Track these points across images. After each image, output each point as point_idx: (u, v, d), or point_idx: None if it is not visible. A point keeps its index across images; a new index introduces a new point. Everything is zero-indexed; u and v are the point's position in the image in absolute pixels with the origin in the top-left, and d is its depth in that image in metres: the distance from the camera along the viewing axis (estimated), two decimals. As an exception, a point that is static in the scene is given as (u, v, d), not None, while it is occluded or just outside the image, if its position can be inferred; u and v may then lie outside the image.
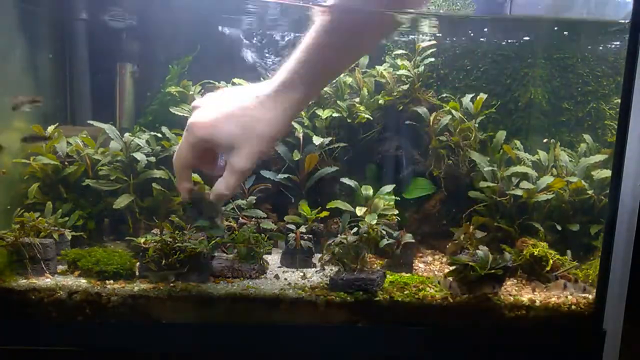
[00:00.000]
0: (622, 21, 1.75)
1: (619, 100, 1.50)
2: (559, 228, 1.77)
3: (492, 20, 2.06)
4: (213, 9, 2.01)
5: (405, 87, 1.99)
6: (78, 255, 1.56)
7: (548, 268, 1.62)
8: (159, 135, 1.85)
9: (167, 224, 1.65)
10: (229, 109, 1.28)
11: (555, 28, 2.04)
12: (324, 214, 1.83)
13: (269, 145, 1.32)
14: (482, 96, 1.92)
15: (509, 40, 2.06)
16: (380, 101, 2.00)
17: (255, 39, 2.13)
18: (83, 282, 1.48)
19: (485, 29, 2.09)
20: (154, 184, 1.76)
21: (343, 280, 1.50)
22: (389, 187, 1.89)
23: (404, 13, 1.80)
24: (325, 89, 2.01)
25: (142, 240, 1.54)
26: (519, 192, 1.78)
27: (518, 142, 1.94)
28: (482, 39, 2.08)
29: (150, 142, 1.82)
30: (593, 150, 1.90)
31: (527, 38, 2.05)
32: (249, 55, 2.12)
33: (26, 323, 1.41)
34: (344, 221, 1.83)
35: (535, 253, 1.62)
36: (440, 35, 2.04)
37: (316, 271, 1.69)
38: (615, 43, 2.02)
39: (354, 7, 1.25)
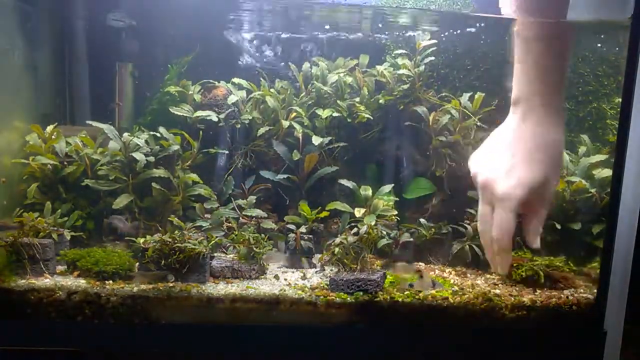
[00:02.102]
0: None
1: (620, 100, 1.49)
2: (559, 227, 1.77)
3: (492, 19, 2.06)
4: (213, 8, 2.01)
5: (406, 86, 1.99)
6: (77, 255, 1.55)
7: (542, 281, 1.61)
8: (158, 135, 1.84)
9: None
10: (521, 158, 1.25)
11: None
12: (324, 214, 1.83)
13: (560, 155, 1.30)
14: (480, 95, 1.92)
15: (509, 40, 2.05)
16: (381, 101, 2.00)
17: (254, 39, 2.13)
18: (82, 282, 1.47)
19: (485, 27, 2.08)
20: (153, 184, 1.75)
21: (343, 281, 1.49)
22: (387, 187, 1.89)
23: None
24: (325, 88, 2.01)
25: (142, 240, 1.54)
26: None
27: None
28: (482, 39, 2.07)
29: (149, 142, 1.81)
30: (592, 150, 1.89)
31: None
32: (248, 55, 2.12)
33: (25, 323, 1.41)
34: (343, 221, 1.83)
35: (524, 275, 1.60)
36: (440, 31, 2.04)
37: (316, 272, 1.69)
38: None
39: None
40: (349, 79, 2.04)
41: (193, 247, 1.51)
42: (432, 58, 2.00)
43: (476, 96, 1.94)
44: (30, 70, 1.91)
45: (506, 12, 1.36)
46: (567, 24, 1.29)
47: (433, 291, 1.53)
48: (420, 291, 1.52)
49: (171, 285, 1.47)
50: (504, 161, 1.27)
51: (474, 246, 1.78)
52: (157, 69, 2.02)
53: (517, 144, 1.27)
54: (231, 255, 1.67)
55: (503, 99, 2.02)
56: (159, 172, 1.76)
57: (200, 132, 1.90)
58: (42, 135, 1.81)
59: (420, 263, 1.83)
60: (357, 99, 2.02)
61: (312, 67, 2.07)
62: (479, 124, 1.94)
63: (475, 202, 1.83)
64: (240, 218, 1.83)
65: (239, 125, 1.97)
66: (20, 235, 1.53)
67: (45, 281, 1.48)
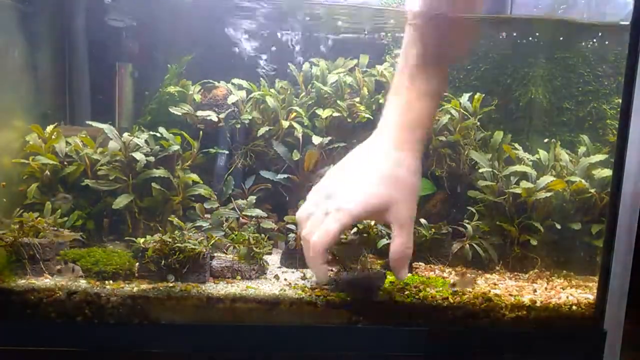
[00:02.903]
0: (623, 22, 1.75)
1: (620, 100, 1.49)
2: (559, 227, 1.77)
3: (492, 20, 2.06)
4: (212, 8, 2.01)
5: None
6: (77, 255, 1.55)
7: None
8: (158, 134, 1.84)
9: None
10: (370, 178, 1.29)
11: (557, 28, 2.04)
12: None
13: (418, 187, 1.35)
14: (480, 95, 1.93)
15: (510, 40, 2.06)
16: (381, 101, 2.00)
17: (252, 38, 2.12)
18: (82, 282, 1.47)
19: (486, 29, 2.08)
20: (153, 184, 1.75)
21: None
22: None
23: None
24: (325, 88, 2.01)
25: (142, 240, 1.54)
26: (517, 191, 1.77)
27: (516, 144, 1.94)
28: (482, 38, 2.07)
29: (149, 142, 1.81)
30: (592, 150, 1.90)
31: (528, 37, 2.05)
32: (247, 56, 2.12)
33: (25, 323, 1.41)
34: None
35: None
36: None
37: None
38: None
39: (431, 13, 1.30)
40: (349, 79, 2.04)
41: (193, 247, 1.51)
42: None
43: (476, 96, 1.94)
44: (30, 70, 1.91)
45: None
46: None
47: (432, 291, 1.53)
48: (420, 291, 1.53)
49: (171, 285, 1.47)
50: (354, 175, 1.31)
51: (474, 245, 1.78)
52: (157, 68, 2.02)
53: (371, 163, 1.31)
54: (231, 256, 1.67)
55: (503, 99, 2.04)
56: (159, 172, 1.76)
57: (200, 132, 1.90)
58: (42, 135, 1.81)
59: (420, 263, 1.83)
60: (357, 99, 2.02)
61: (312, 67, 2.07)
62: (478, 124, 1.95)
63: (476, 201, 1.85)
64: (240, 218, 1.83)
65: (238, 125, 1.97)
66: (20, 235, 1.52)
67: (45, 281, 1.48)
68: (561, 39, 2.05)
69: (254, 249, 1.62)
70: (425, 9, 1.33)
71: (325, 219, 1.29)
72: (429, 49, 1.31)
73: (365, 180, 1.29)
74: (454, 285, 1.51)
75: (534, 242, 1.75)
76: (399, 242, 1.30)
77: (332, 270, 1.53)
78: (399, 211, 1.28)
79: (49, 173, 1.76)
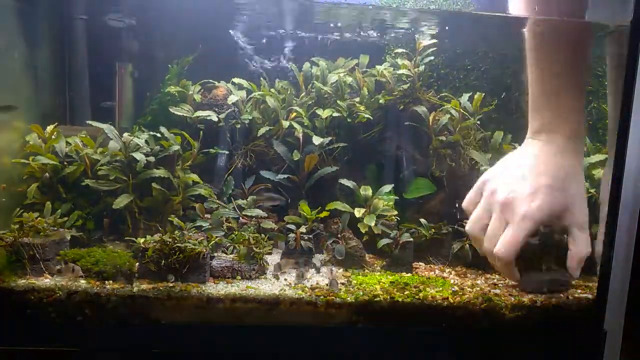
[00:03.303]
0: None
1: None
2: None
3: (492, 18, 2.06)
4: (212, 8, 2.00)
5: (406, 86, 1.99)
6: (77, 255, 1.55)
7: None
8: (158, 135, 1.84)
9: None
10: (542, 183, 1.35)
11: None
12: (324, 214, 1.83)
13: (580, 180, 1.40)
14: (480, 95, 1.93)
15: (510, 39, 2.06)
16: (381, 101, 2.00)
17: (253, 39, 2.13)
18: (82, 282, 1.47)
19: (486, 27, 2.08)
20: (153, 184, 1.75)
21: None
22: (388, 187, 1.89)
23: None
24: (325, 88, 2.01)
25: (142, 240, 1.54)
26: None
27: (516, 144, 1.94)
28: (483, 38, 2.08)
29: (149, 142, 1.81)
30: (592, 151, 1.90)
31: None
32: (248, 56, 2.12)
33: (25, 323, 1.41)
34: (343, 221, 1.83)
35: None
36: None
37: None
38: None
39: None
40: (349, 79, 2.04)
41: (193, 247, 1.51)
42: (432, 58, 2.00)
43: (476, 96, 1.94)
44: (30, 70, 1.91)
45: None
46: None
47: (432, 291, 1.53)
48: (420, 291, 1.53)
49: (171, 285, 1.47)
50: (527, 184, 1.35)
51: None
52: (157, 68, 2.02)
53: (545, 170, 1.36)
54: (231, 256, 1.67)
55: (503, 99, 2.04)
56: (159, 172, 1.76)
57: (201, 132, 1.90)
58: (42, 135, 1.81)
59: (420, 263, 1.83)
60: (357, 99, 2.02)
61: (312, 67, 2.07)
62: (478, 124, 1.95)
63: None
64: (240, 218, 1.83)
65: (239, 125, 1.97)
66: (20, 235, 1.53)
67: (45, 281, 1.48)
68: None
69: (254, 249, 1.62)
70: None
71: (507, 227, 1.36)
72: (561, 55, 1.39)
73: (544, 188, 1.35)
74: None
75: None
76: (580, 242, 1.37)
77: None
78: (575, 215, 1.36)
79: (48, 175, 1.76)
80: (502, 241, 1.36)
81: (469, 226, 1.46)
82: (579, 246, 1.38)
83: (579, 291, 1.64)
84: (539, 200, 1.34)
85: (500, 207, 1.37)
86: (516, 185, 1.37)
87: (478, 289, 1.60)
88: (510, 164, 1.44)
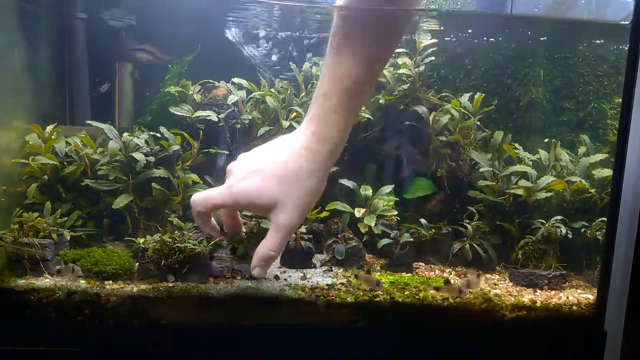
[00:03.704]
0: (623, 22, 1.74)
1: (620, 100, 1.49)
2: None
3: (493, 19, 2.06)
4: (212, 8, 2.00)
5: (406, 86, 1.99)
6: (77, 255, 1.55)
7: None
8: (158, 135, 1.84)
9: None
10: (267, 170, 1.26)
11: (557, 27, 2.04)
12: (324, 214, 1.82)
13: (314, 196, 1.28)
14: (480, 95, 1.93)
15: (511, 39, 2.06)
16: (381, 101, 2.00)
17: (253, 39, 2.13)
18: (82, 282, 1.47)
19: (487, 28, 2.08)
20: (153, 184, 1.75)
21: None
22: (388, 188, 1.88)
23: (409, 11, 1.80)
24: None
25: (142, 240, 1.54)
26: (519, 191, 1.77)
27: (517, 144, 1.94)
28: (483, 38, 2.08)
29: (149, 142, 1.81)
30: (592, 150, 1.89)
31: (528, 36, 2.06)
32: (248, 56, 2.12)
33: (25, 323, 1.41)
34: (343, 221, 1.83)
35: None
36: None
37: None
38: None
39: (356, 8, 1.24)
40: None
41: (193, 247, 1.51)
42: (433, 58, 2.00)
43: (476, 96, 1.94)
44: (30, 70, 1.91)
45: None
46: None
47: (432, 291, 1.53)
48: (420, 291, 1.53)
49: (171, 285, 1.47)
50: (256, 163, 1.29)
51: (474, 245, 1.78)
52: (157, 68, 2.02)
53: (276, 156, 1.28)
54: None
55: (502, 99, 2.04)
56: (159, 172, 1.76)
57: (201, 132, 1.90)
58: (42, 135, 1.80)
59: (420, 263, 1.83)
60: (357, 99, 2.01)
61: (312, 67, 2.07)
62: (478, 123, 1.95)
63: (476, 201, 1.85)
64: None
65: (238, 125, 1.97)
66: (20, 235, 1.52)
67: (45, 281, 1.48)
68: (561, 38, 2.05)
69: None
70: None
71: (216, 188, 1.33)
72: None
73: (259, 174, 1.26)
74: (460, 291, 1.50)
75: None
76: (266, 244, 1.28)
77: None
78: (279, 216, 1.25)
79: (47, 177, 1.76)
80: (204, 193, 1.32)
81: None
82: (265, 245, 1.27)
83: (579, 291, 1.64)
84: (251, 182, 1.26)
85: (228, 171, 1.32)
86: (248, 159, 1.31)
87: (478, 289, 1.59)
88: (272, 142, 1.35)
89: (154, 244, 1.51)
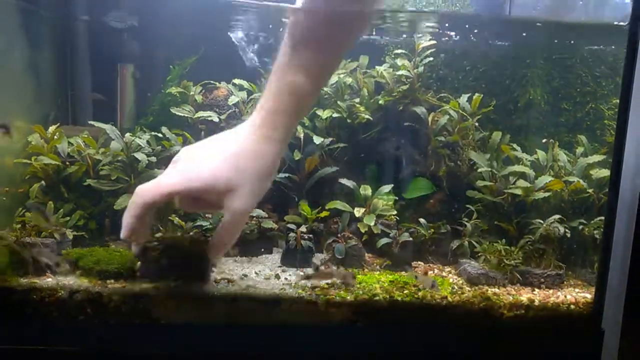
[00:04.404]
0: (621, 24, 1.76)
1: (618, 101, 1.50)
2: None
3: (491, 21, 2.07)
4: (211, 10, 2.02)
5: (405, 87, 2.00)
6: (79, 254, 1.56)
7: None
8: (160, 135, 1.85)
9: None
10: (220, 154, 1.24)
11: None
12: (324, 213, 1.84)
13: (267, 180, 1.27)
14: (479, 96, 1.94)
15: (508, 41, 2.07)
16: (380, 101, 2.01)
17: (252, 40, 2.13)
18: (84, 281, 1.48)
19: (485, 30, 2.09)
20: (154, 184, 1.76)
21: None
22: (387, 187, 1.90)
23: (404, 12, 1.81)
24: (325, 89, 2.02)
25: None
26: (517, 191, 1.79)
27: (515, 144, 1.95)
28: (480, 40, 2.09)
29: (151, 142, 1.82)
30: (589, 151, 1.91)
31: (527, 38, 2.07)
32: (247, 57, 2.12)
33: (27, 323, 1.42)
34: (343, 221, 1.84)
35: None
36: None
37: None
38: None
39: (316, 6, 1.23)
40: (349, 80, 2.05)
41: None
42: (431, 59, 2.01)
43: (474, 97, 1.95)
44: (32, 71, 1.92)
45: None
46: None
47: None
48: (420, 290, 1.53)
49: (172, 285, 1.48)
50: (210, 150, 1.26)
51: (473, 242, 1.79)
52: (159, 69, 2.03)
53: (225, 142, 1.27)
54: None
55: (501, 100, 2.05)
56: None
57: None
58: (44, 136, 1.81)
59: (419, 262, 1.84)
60: (357, 100, 2.03)
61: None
62: (477, 124, 1.96)
63: (475, 201, 1.86)
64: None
65: (239, 126, 1.98)
66: (22, 234, 1.53)
67: (47, 280, 1.49)
68: (557, 40, 2.06)
69: None
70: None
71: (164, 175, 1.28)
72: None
73: (212, 158, 1.25)
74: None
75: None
76: (221, 231, 1.26)
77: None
78: (234, 201, 1.22)
79: (44, 183, 1.76)
80: (152, 182, 1.28)
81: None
82: (218, 233, 1.27)
83: (577, 290, 1.65)
84: (205, 165, 1.24)
85: (173, 163, 1.31)
86: (196, 148, 1.30)
87: (477, 287, 1.61)
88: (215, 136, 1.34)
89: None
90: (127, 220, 1.27)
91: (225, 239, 1.28)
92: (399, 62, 2.03)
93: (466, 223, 1.82)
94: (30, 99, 1.92)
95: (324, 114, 1.96)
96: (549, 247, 1.70)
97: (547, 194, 1.77)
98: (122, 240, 1.33)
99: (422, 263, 1.84)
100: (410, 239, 1.77)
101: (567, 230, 1.71)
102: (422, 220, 1.84)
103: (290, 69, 1.23)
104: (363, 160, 2.02)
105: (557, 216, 1.73)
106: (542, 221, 1.74)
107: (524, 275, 1.65)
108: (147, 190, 1.26)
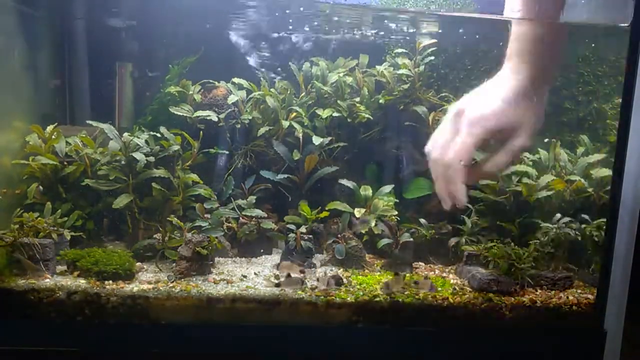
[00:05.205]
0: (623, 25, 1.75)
1: (620, 100, 1.50)
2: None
3: (492, 20, 2.06)
4: (211, 9, 2.01)
5: (406, 86, 1.99)
6: (77, 255, 1.55)
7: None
8: (158, 135, 1.84)
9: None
10: (499, 100, 1.33)
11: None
12: (324, 214, 1.83)
13: (540, 123, 1.36)
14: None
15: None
16: (381, 101, 2.00)
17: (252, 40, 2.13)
18: (82, 282, 1.47)
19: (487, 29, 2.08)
20: (153, 184, 1.75)
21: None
22: (388, 188, 1.89)
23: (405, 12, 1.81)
24: (325, 88, 2.01)
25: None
26: (519, 188, 1.78)
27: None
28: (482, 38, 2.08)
29: (149, 142, 1.81)
30: (591, 150, 1.90)
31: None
32: (248, 56, 2.12)
33: (25, 323, 1.41)
34: (343, 221, 1.83)
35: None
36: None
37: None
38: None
39: None
40: (349, 79, 2.04)
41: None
42: (432, 58, 2.00)
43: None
44: (30, 70, 1.91)
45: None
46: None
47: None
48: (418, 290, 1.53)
49: (171, 285, 1.47)
50: (486, 97, 1.35)
51: (471, 240, 1.78)
52: (157, 68, 2.02)
53: (501, 87, 1.35)
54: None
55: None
56: (159, 172, 1.76)
57: (201, 132, 1.90)
58: (42, 135, 1.80)
59: (419, 262, 1.83)
60: (357, 99, 2.02)
61: (312, 67, 2.07)
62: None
63: (475, 200, 1.85)
64: (240, 218, 1.83)
65: (238, 125, 1.97)
66: (20, 235, 1.52)
67: (45, 281, 1.48)
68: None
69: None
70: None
71: (456, 137, 1.34)
72: None
73: (497, 101, 1.34)
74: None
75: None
76: (495, 161, 1.35)
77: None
78: (517, 138, 1.33)
79: (41, 187, 1.75)
80: (452, 149, 1.33)
81: (429, 143, 1.40)
82: (495, 161, 1.35)
83: (579, 291, 1.64)
84: (491, 110, 1.32)
85: (453, 118, 1.36)
86: (474, 100, 1.36)
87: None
88: (479, 90, 1.42)
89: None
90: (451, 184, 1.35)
91: (498, 166, 1.36)
92: (399, 61, 2.02)
93: (466, 219, 1.81)
94: (28, 98, 1.91)
95: (324, 113, 1.95)
96: (560, 250, 1.68)
97: (549, 193, 1.76)
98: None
99: (422, 264, 1.84)
100: (411, 239, 1.76)
101: (577, 234, 1.69)
102: (422, 220, 1.83)
103: None
104: (363, 160, 2.01)
105: (566, 218, 1.72)
106: (547, 223, 1.72)
107: (535, 279, 1.62)
108: (454, 158, 1.33)
